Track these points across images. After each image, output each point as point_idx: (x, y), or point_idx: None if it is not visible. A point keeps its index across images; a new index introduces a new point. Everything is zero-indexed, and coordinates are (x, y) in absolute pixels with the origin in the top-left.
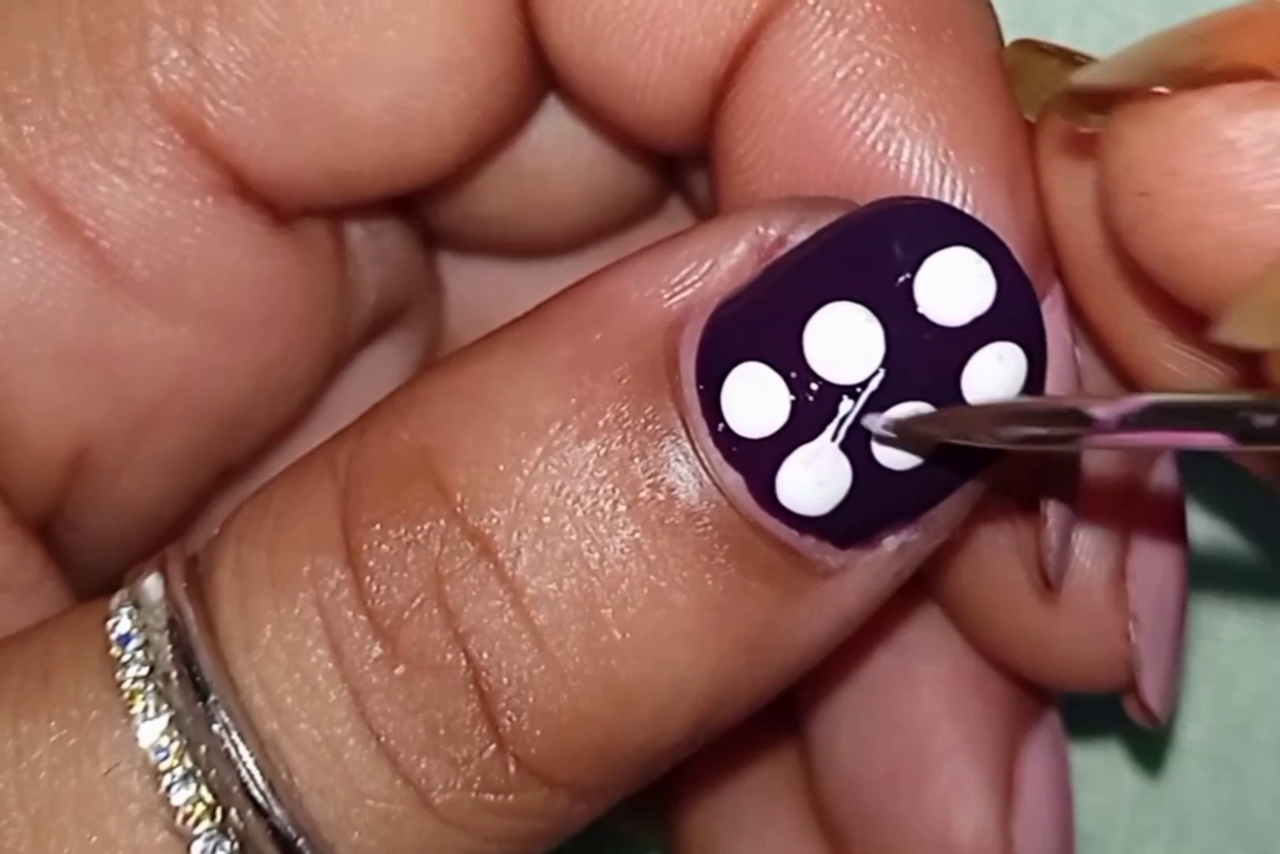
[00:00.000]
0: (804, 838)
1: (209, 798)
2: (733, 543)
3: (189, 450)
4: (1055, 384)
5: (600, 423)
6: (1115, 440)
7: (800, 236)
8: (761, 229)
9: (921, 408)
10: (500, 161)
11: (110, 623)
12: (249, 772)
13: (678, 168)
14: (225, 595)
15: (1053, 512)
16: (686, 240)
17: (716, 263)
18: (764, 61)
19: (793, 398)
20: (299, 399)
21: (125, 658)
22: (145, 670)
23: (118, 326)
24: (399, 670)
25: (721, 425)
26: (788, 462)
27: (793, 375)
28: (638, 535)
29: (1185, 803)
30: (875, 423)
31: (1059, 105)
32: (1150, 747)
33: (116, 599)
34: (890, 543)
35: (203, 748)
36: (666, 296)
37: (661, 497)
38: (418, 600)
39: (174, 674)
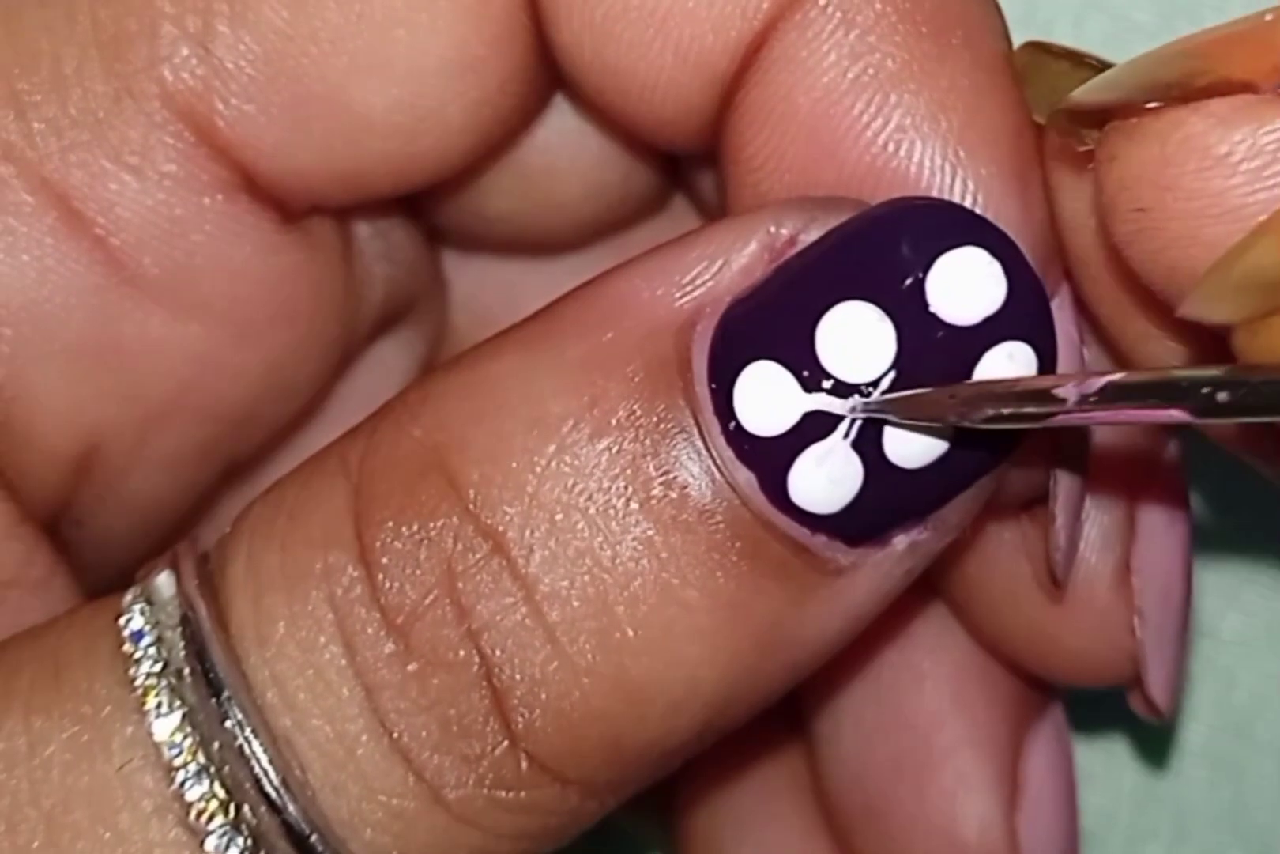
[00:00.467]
0: (808, 835)
1: (222, 794)
2: (744, 541)
3: (197, 447)
4: None
5: (613, 421)
6: (1079, 418)
7: (811, 236)
8: (773, 229)
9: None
10: (506, 160)
11: (123, 619)
12: (262, 768)
13: (682, 165)
14: (238, 592)
15: (1061, 510)
16: (697, 240)
17: (728, 262)
18: (774, 62)
19: (805, 396)
20: (306, 396)
21: (138, 654)
22: (158, 667)
23: (127, 324)
24: (412, 667)
25: (733, 424)
26: (800, 460)
27: (805, 374)
28: (650, 533)
29: (1185, 803)
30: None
31: (1056, 124)
32: (1150, 746)
33: (128, 596)
34: (901, 541)
35: (216, 744)
36: (678, 296)
37: (674, 494)
38: (430, 597)
39: (187, 670)
